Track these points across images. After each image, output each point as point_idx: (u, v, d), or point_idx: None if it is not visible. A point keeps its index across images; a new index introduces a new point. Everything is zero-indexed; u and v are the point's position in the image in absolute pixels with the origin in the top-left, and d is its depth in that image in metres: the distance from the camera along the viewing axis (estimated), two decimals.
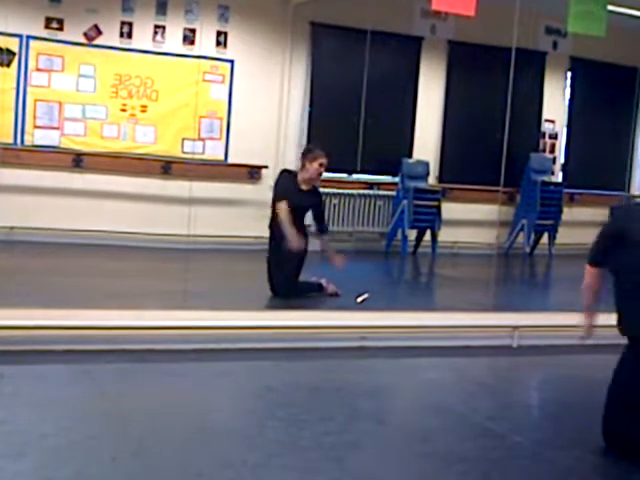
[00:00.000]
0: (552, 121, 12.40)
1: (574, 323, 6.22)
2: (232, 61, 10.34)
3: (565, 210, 11.79)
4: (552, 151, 12.46)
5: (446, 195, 11.30)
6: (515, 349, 5.97)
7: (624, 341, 4.00)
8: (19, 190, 9.43)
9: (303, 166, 7.05)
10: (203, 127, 10.25)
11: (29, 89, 9.46)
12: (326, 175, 10.83)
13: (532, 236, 11.69)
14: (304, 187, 7.04)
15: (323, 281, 7.25)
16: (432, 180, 11.39)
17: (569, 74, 12.46)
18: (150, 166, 10.01)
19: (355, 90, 10.20)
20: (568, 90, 12.53)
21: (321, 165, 6.96)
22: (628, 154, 12.12)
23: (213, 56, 10.25)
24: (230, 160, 10.43)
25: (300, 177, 7.02)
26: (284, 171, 7.35)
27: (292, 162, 10.73)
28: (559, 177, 12.50)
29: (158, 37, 9.98)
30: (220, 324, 5.48)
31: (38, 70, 9.48)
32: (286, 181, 7.01)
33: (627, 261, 3.92)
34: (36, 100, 9.50)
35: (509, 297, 8.42)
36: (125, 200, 9.87)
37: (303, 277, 7.19)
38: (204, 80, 10.20)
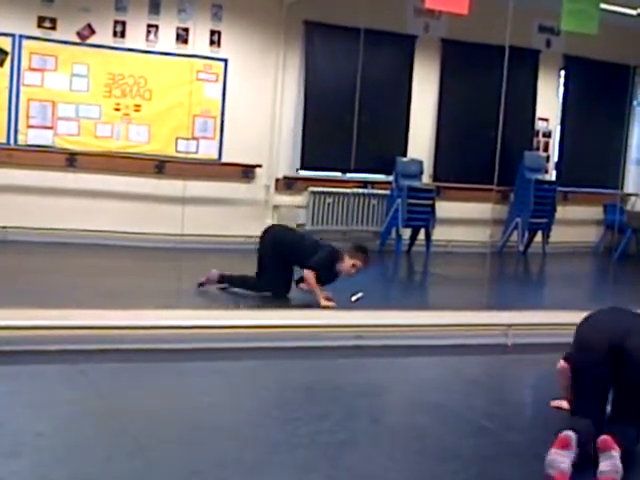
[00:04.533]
0: (546, 119, 12.43)
1: (567, 321, 6.27)
2: (226, 60, 10.33)
3: (559, 208, 11.82)
4: (546, 149, 12.49)
5: (440, 194, 11.31)
6: (509, 347, 5.98)
7: None
8: (12, 190, 9.40)
9: (351, 257, 7.06)
10: (197, 126, 10.25)
11: (22, 88, 9.43)
12: (320, 174, 10.96)
13: (526, 234, 11.71)
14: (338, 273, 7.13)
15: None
16: (426, 179, 11.40)
17: (562, 72, 12.49)
18: (144, 165, 10.00)
19: (349, 89, 10.18)
20: (561, 88, 12.55)
21: (354, 266, 7.00)
22: (621, 152, 12.12)
23: (207, 55, 10.23)
24: (224, 159, 10.43)
25: (338, 266, 7.05)
26: (330, 247, 7.27)
27: (286, 161, 10.76)
28: (553, 175, 12.52)
29: (151, 36, 9.96)
30: (215, 323, 5.48)
31: (31, 69, 9.45)
32: (330, 260, 7.03)
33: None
34: (29, 99, 9.47)
35: (503, 295, 8.44)
36: (119, 199, 9.85)
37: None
38: (198, 79, 10.19)
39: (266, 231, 7.49)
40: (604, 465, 3.44)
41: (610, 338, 3.82)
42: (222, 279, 7.32)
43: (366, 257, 7.06)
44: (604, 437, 3.49)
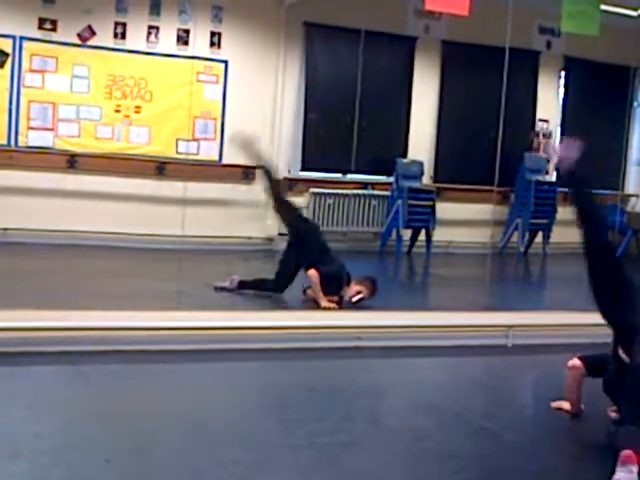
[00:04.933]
0: (546, 120, 12.43)
1: (568, 322, 6.28)
2: (226, 61, 10.34)
3: (559, 209, 11.80)
4: (546, 150, 12.47)
5: (440, 195, 11.30)
6: (510, 348, 5.97)
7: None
8: (13, 191, 9.41)
9: (359, 283, 7.05)
10: (197, 127, 10.25)
11: (23, 90, 9.44)
12: (320, 175, 10.96)
13: (526, 235, 11.70)
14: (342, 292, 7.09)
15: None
16: (426, 180, 11.40)
17: (563, 73, 12.48)
18: (144, 167, 10.00)
19: (349, 90, 10.18)
20: (562, 89, 12.55)
21: (358, 292, 6.97)
22: (622, 153, 12.14)
23: (207, 56, 10.24)
24: (224, 160, 10.42)
25: (344, 289, 7.04)
26: (340, 263, 7.27)
27: (287, 161, 10.76)
28: (553, 176, 12.51)
29: (152, 38, 9.96)
30: (214, 325, 5.48)
31: (32, 71, 9.46)
32: (337, 274, 7.04)
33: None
34: (30, 101, 9.48)
35: (504, 296, 8.44)
36: (119, 201, 9.85)
37: None
38: (198, 80, 10.19)
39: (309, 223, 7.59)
40: (622, 475, 3.42)
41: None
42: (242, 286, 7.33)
43: (373, 287, 7.02)
44: (628, 452, 3.48)
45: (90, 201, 9.74)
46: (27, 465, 3.28)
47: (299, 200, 10.78)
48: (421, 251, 10.96)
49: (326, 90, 10.78)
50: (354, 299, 6.93)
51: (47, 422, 3.80)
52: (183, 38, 10.10)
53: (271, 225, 9.95)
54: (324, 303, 6.83)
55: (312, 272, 6.91)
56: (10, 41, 9.32)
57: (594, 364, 4.22)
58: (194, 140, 10.22)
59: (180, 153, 10.13)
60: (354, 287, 6.99)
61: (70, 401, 4.16)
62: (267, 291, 7.23)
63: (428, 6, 7.44)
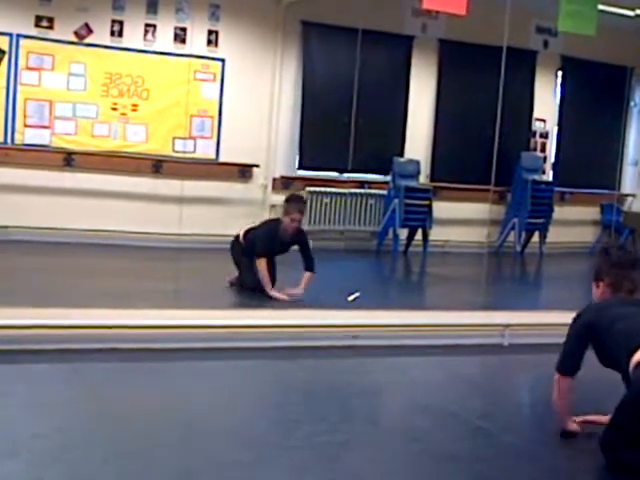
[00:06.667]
0: (543, 120, 12.44)
1: (564, 322, 6.28)
2: (223, 60, 10.33)
3: (556, 209, 11.83)
4: (543, 150, 12.49)
5: (437, 194, 11.31)
6: (506, 348, 5.98)
7: None
8: (9, 189, 9.39)
9: (285, 213, 7.06)
10: (194, 126, 10.24)
11: (19, 88, 9.42)
12: (318, 174, 10.96)
13: (523, 235, 11.72)
14: (287, 236, 7.06)
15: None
16: (423, 179, 11.40)
17: (560, 73, 12.50)
18: (141, 165, 10.00)
19: (346, 89, 10.21)
20: (559, 89, 12.56)
21: (292, 220, 6.96)
22: (618, 153, 12.15)
23: (204, 55, 10.24)
24: (221, 159, 10.43)
25: (281, 231, 7.03)
26: (268, 221, 7.33)
27: (283, 161, 10.76)
28: (550, 176, 12.53)
29: (149, 36, 9.96)
30: (211, 323, 5.47)
31: (28, 69, 9.45)
32: (267, 236, 7.02)
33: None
34: (26, 99, 9.47)
35: (500, 296, 8.44)
36: (116, 199, 9.85)
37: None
38: (195, 79, 10.19)
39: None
40: None
41: None
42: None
43: (296, 205, 6.99)
44: None
45: (87, 199, 9.73)
46: (24, 464, 3.27)
47: None
48: (418, 250, 10.97)
49: (323, 89, 10.78)
50: (351, 297, 6.93)
51: (45, 421, 3.79)
52: (180, 36, 10.09)
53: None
54: (272, 293, 6.86)
55: (259, 262, 6.88)
56: (7, 39, 9.31)
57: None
58: (191, 138, 10.22)
59: (177, 151, 10.13)
60: (286, 220, 6.94)
61: (67, 400, 4.15)
62: (246, 287, 7.21)
63: (426, 5, 7.44)
